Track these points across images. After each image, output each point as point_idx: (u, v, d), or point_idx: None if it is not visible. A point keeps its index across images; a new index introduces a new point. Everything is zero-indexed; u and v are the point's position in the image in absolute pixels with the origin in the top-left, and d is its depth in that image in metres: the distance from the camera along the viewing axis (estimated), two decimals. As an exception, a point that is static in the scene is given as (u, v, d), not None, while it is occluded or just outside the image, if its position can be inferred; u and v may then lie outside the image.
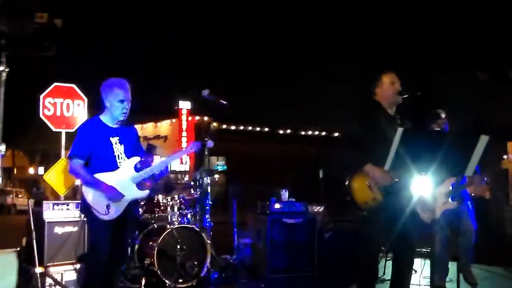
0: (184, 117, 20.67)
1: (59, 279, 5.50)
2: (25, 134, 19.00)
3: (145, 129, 22.79)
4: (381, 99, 4.51)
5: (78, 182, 6.48)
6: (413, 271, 6.21)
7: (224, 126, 23.32)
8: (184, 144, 20.32)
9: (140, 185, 4.51)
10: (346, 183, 4.30)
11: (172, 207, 6.15)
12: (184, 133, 20.55)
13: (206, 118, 22.48)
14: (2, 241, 6.45)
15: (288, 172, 18.68)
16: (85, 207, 4.34)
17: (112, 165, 4.38)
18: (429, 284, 5.68)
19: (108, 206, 4.26)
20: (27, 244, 5.76)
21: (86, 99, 7.26)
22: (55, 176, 6.82)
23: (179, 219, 6.11)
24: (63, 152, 7.16)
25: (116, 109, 4.38)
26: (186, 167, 19.90)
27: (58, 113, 7.37)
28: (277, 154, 21.73)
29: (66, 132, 7.12)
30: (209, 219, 6.46)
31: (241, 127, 23.81)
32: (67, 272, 5.62)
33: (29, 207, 5.80)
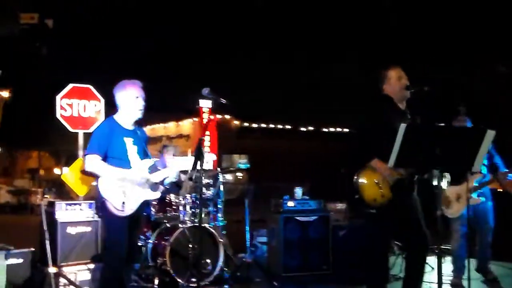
0: (205, 116, 20.63)
1: (72, 279, 5.50)
2: (48, 135, 19.40)
3: (167, 128, 22.88)
4: (390, 95, 4.39)
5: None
6: (431, 268, 6.13)
7: (246, 124, 23.31)
8: (206, 143, 20.28)
9: (152, 186, 4.53)
10: (354, 179, 4.21)
11: (184, 206, 6.10)
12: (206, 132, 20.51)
13: (227, 117, 22.52)
14: (22, 240, 6.50)
15: (311, 169, 18.50)
16: (101, 203, 4.34)
17: (125, 165, 4.40)
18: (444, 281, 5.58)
19: (123, 203, 4.28)
20: (40, 244, 5.79)
21: (102, 100, 7.31)
22: (72, 176, 6.85)
23: (192, 218, 6.05)
24: (80, 152, 7.23)
25: (132, 107, 4.45)
26: (209, 165, 19.79)
27: (75, 114, 7.45)
28: (299, 151, 21.56)
29: (84, 133, 7.23)
30: (221, 218, 6.40)
31: (263, 125, 23.72)
32: (81, 272, 5.62)
33: (41, 208, 5.83)
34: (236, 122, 23.18)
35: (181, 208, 6.09)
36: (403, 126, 3.58)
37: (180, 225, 5.85)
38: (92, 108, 7.31)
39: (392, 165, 3.69)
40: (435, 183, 5.20)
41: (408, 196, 4.16)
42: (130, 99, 4.43)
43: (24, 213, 17.91)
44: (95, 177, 4.40)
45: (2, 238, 5.76)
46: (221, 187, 6.47)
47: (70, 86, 7.34)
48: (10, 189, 20.63)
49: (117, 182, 4.31)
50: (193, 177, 5.76)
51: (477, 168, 3.72)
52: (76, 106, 7.25)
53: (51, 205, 6.02)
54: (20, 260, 5.63)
